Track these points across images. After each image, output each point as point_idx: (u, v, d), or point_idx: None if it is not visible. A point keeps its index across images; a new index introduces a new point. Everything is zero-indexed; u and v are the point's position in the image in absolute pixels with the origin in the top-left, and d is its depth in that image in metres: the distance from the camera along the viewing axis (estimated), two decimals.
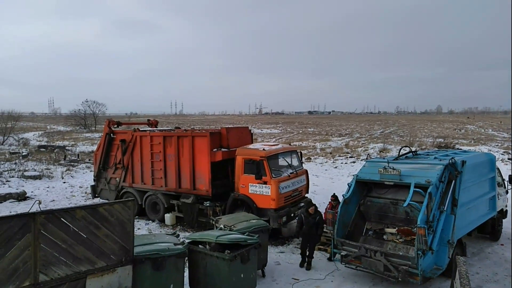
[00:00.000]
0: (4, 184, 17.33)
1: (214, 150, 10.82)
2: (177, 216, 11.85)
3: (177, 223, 11.81)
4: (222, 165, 11.03)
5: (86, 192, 16.06)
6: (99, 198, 13.84)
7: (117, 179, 13.16)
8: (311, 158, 26.28)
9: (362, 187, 8.82)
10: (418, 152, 10.12)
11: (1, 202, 14.04)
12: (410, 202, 7.28)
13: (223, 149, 10.90)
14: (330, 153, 29.52)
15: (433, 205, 7.16)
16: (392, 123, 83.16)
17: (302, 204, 10.63)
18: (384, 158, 9.82)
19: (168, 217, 11.78)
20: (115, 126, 14.09)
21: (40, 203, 5.96)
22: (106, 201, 13.11)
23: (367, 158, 11.44)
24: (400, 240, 7.94)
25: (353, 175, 9.02)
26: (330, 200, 10.14)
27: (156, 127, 15.49)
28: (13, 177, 18.87)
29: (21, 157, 26.47)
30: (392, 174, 7.96)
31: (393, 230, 8.19)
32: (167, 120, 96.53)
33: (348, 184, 8.74)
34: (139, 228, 11.18)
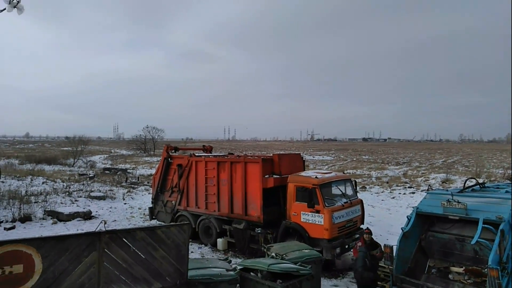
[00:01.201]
0: (73, 203, 18.82)
1: (266, 176, 10.88)
2: (229, 241, 11.93)
3: (229, 249, 11.87)
4: (274, 191, 11.02)
5: (144, 214, 16.85)
6: (156, 220, 14.44)
7: (173, 202, 13.68)
8: (366, 187, 25.28)
9: (423, 220, 8.25)
10: (486, 185, 9.31)
11: (70, 220, 15.20)
12: (478, 239, 6.65)
13: (275, 176, 10.92)
14: (387, 182, 28.18)
15: (506, 244, 6.48)
16: (455, 152, 77.70)
17: (357, 235, 10.18)
18: (447, 190, 9.15)
19: (220, 242, 11.90)
20: (173, 151, 14.81)
21: (105, 223, 6.37)
22: (163, 223, 13.67)
23: (428, 189, 10.72)
24: (469, 281, 7.23)
25: (412, 207, 8.50)
26: (364, 236, 8.41)
27: (211, 153, 16.01)
28: (80, 197, 20.45)
29: (88, 179, 28.72)
30: (457, 208, 7.37)
31: (460, 270, 7.49)
32: (220, 145, 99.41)
33: (407, 217, 8.24)
34: (192, 252, 11.40)
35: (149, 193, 21.96)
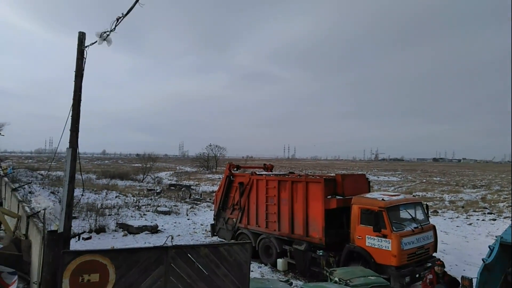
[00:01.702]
0: (141, 217, 19.98)
1: (328, 197, 10.57)
2: (289, 262, 11.69)
3: (289, 270, 11.62)
4: (337, 213, 10.64)
5: (206, 230, 17.28)
6: (217, 236, 14.72)
7: (234, 219, 13.86)
8: (438, 212, 23.33)
9: (509, 252, 7.33)
10: None
11: (138, 233, 16.12)
12: None
13: (338, 197, 10.57)
14: (462, 207, 25.76)
15: None
16: None
17: (430, 264, 9.35)
18: None
19: (280, 262, 11.71)
20: (235, 169, 15.12)
21: (172, 238, 6.61)
22: (224, 240, 13.88)
23: None
24: None
25: (495, 236, 7.62)
26: (434, 268, 7.72)
27: (272, 171, 16.05)
28: (148, 211, 21.66)
29: (155, 194, 30.40)
30: None
31: None
32: (280, 163, 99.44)
33: (489, 247, 7.39)
34: (252, 271, 11.30)
35: (211, 210, 22.55)
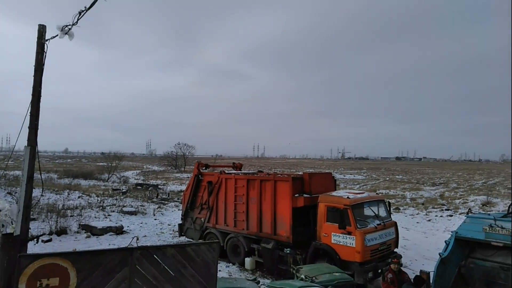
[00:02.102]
0: (106, 217, 19.37)
1: (296, 195, 10.74)
2: (257, 261, 11.77)
3: (257, 268, 11.70)
4: (303, 211, 10.84)
5: (173, 230, 17.03)
6: (185, 236, 14.55)
7: (202, 219, 13.76)
8: (400, 209, 24.34)
9: (463, 246, 7.80)
10: None
11: (102, 235, 15.62)
12: None
13: (305, 195, 10.76)
14: (422, 204, 27.02)
15: None
16: (497, 173, 73.60)
17: (390, 259, 9.75)
18: (489, 214, 8.63)
19: (248, 261, 11.77)
20: (204, 168, 15.00)
21: (137, 239, 6.47)
22: (192, 240, 13.75)
23: (468, 213, 10.17)
24: None
25: (451, 231, 8.08)
26: (391, 266, 7.97)
27: (241, 170, 16.06)
28: (113, 211, 21.01)
29: (121, 194, 29.54)
30: (501, 234, 6.92)
31: None
32: (249, 162, 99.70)
33: (445, 241, 7.83)
34: (220, 270, 11.29)
35: (179, 210, 22.23)
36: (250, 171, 17.77)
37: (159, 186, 36.90)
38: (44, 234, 14.86)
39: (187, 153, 74.72)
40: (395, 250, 10.63)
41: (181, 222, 14.89)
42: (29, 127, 7.16)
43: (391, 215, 11.34)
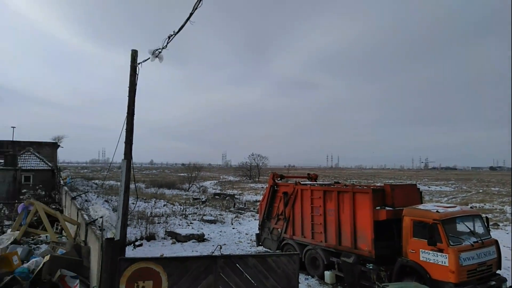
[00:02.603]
0: (188, 225, 20.51)
1: (377, 208, 10.18)
2: (337, 275, 11.36)
3: (337, 283, 11.29)
4: (386, 225, 10.20)
5: (251, 240, 17.33)
6: (262, 246, 14.70)
7: (279, 229, 13.77)
8: (499, 225, 21.60)
9: None
10: None
11: (186, 241, 16.53)
12: None
13: (387, 208, 10.14)
14: None
15: None
16: None
17: (493, 282, 8.65)
18: None
19: (328, 274, 11.42)
20: (279, 179, 15.07)
21: (220, 248, 6.72)
22: (269, 250, 13.84)
23: None
24: None
25: None
26: None
27: (316, 181, 15.80)
28: (195, 220, 22.19)
29: (201, 203, 31.10)
30: None
31: None
32: (323, 173, 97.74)
33: None
34: (299, 283, 11.17)
35: (255, 219, 22.63)
36: (326, 182, 17.39)
37: (236, 196, 38.01)
38: (136, 239, 16.24)
39: (260, 164, 76.12)
40: (498, 271, 9.41)
41: (258, 232, 15.08)
42: (125, 142, 7.94)
43: (490, 232, 10.09)
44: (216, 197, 37.01)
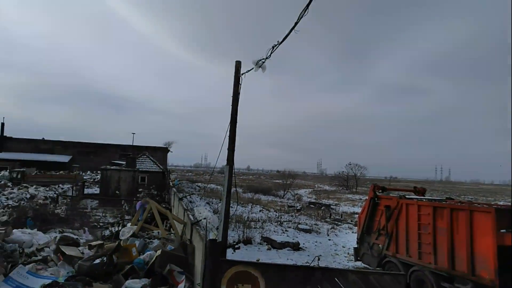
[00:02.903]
0: (283, 232, 20.63)
1: (502, 231, 8.74)
2: None
3: None
4: None
5: (348, 253, 16.59)
6: (361, 261, 13.93)
7: (380, 245, 12.88)
8: None
9: None
10: None
11: (281, 249, 16.63)
12: None
13: None
14: None
15: None
16: None
17: None
18: None
19: None
20: (380, 191, 14.14)
21: (318, 259, 6.53)
22: (368, 266, 13.04)
23: None
24: None
25: None
26: None
27: (423, 195, 14.40)
28: (290, 227, 22.21)
29: (295, 211, 31.07)
30: None
31: None
32: (431, 186, 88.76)
33: None
34: None
35: (353, 232, 21.66)
36: (436, 198, 15.69)
37: (331, 206, 37.02)
38: (235, 242, 16.95)
39: (358, 174, 72.87)
40: None
41: (356, 246, 14.35)
42: (228, 149, 8.37)
43: None
44: (311, 206, 36.58)
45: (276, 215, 27.32)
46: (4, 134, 55.99)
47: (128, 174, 29.41)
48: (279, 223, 23.51)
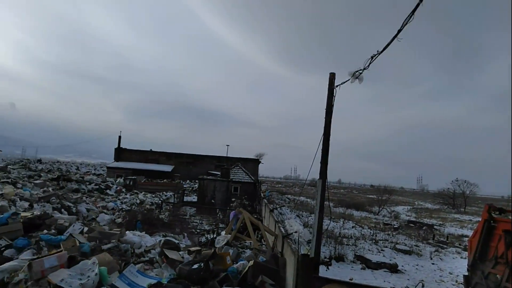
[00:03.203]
0: (379, 252, 19.28)
1: None
2: None
3: None
4: None
5: (456, 281, 14.68)
6: None
7: (497, 276, 11.09)
8: None
9: None
10: None
11: (377, 269, 15.52)
12: None
13: None
14: None
15: None
16: None
17: None
18: None
19: None
20: (497, 213, 12.25)
21: (423, 286, 5.89)
22: None
23: None
24: None
25: None
26: None
27: None
28: (386, 247, 20.67)
29: (392, 229, 28.86)
30: None
31: None
32: None
33: None
34: None
35: (461, 257, 19.24)
36: None
37: (435, 227, 33.48)
38: (326, 258, 16.42)
39: (468, 192, 64.72)
40: None
41: (467, 274, 12.60)
42: (320, 162, 8.17)
43: None
44: (411, 225, 33.58)
45: (370, 232, 25.75)
46: (121, 146, 64.29)
47: (223, 184, 30.96)
48: (374, 241, 22.09)
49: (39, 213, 11.00)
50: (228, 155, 65.91)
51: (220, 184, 30.75)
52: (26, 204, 15.64)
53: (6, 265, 6.73)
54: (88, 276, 6.47)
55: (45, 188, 22.10)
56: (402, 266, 16.68)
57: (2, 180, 22.62)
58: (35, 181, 24.98)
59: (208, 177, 31.92)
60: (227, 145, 68.09)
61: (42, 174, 32.31)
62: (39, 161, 68.09)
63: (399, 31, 4.74)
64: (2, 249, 7.87)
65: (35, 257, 7.32)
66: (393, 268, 15.59)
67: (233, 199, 31.54)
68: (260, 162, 68.77)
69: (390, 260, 16.83)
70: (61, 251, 7.50)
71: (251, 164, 65.28)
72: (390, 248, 20.33)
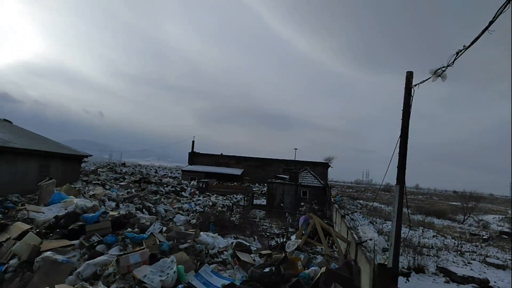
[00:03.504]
0: (465, 265, 17.47)
1: None
2: None
3: None
4: None
5: None
6: None
7: None
8: None
9: None
10: None
11: (463, 283, 14.06)
12: None
13: None
14: None
15: None
16: None
17: None
18: None
19: None
20: None
21: None
22: None
23: None
24: None
25: None
26: None
27: None
28: (474, 260, 18.67)
29: (481, 240, 26.02)
30: None
31: None
32: None
33: None
34: None
35: None
36: None
37: None
38: (403, 267, 15.36)
39: None
40: None
41: None
42: (397, 167, 7.66)
43: None
44: (504, 236, 29.97)
45: (454, 243, 23.50)
46: (194, 150, 67.75)
47: (291, 188, 30.81)
48: (459, 253, 20.12)
49: (124, 213, 12.01)
50: (296, 159, 65.54)
51: (289, 188, 30.63)
52: (113, 204, 17.24)
53: (98, 259, 7.43)
54: (168, 274, 6.86)
55: (128, 190, 24.18)
56: (495, 282, 14.88)
57: (94, 182, 25.29)
58: (120, 183, 27.50)
59: (277, 181, 32.02)
60: (295, 149, 67.58)
61: (126, 177, 35.44)
62: (124, 164, 74.95)
63: (490, 22, 4.21)
64: (95, 244, 8.72)
65: (121, 253, 7.98)
66: (483, 284, 13.98)
67: (302, 203, 31.21)
68: (329, 166, 67.24)
69: (480, 274, 15.13)
70: (143, 248, 8.08)
71: (320, 168, 64.09)
72: (479, 261, 18.31)
